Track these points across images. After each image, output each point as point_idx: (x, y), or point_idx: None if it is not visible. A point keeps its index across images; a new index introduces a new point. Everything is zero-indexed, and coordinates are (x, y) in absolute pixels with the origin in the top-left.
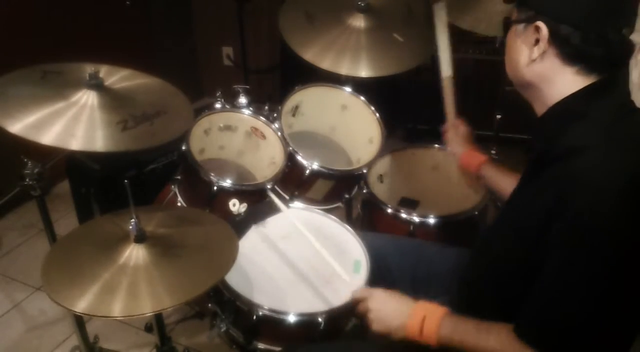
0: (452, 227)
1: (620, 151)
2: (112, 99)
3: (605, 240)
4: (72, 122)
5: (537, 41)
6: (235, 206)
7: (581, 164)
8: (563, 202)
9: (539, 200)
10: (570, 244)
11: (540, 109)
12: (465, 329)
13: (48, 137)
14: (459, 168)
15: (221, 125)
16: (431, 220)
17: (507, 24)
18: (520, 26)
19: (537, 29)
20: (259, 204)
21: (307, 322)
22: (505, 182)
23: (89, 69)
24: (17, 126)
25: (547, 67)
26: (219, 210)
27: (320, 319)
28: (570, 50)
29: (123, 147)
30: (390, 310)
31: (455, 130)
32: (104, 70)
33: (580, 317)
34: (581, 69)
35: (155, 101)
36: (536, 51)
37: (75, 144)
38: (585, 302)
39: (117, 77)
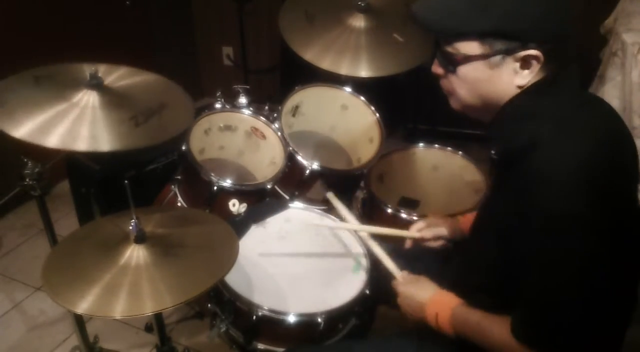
0: None
1: (569, 143)
2: (114, 97)
3: (571, 230)
4: (86, 123)
5: (524, 69)
6: (235, 206)
7: (535, 161)
8: (525, 202)
9: (507, 201)
10: (539, 242)
11: (490, 115)
12: (471, 324)
13: (70, 143)
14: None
15: (221, 125)
16: None
17: (464, 59)
18: (497, 58)
19: (530, 57)
20: (259, 204)
21: (307, 323)
22: None
23: (78, 68)
24: (22, 131)
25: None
26: (219, 210)
27: (320, 319)
28: (561, 63)
29: (141, 143)
30: (414, 305)
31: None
32: (101, 70)
33: (564, 311)
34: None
35: (154, 96)
36: (527, 76)
37: (97, 145)
38: (566, 295)
39: (115, 76)
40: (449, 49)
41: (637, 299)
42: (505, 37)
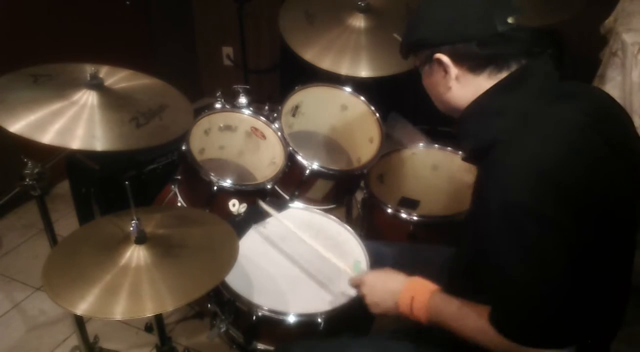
0: (452, 227)
1: (528, 139)
2: (114, 98)
3: (513, 217)
4: (84, 122)
5: (445, 72)
6: (235, 206)
7: (494, 155)
8: (480, 193)
9: (474, 194)
10: (484, 228)
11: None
12: (449, 310)
13: (74, 143)
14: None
15: (221, 125)
16: (431, 220)
17: (417, 72)
18: (426, 67)
19: (439, 61)
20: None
21: (307, 323)
22: None
23: (78, 68)
24: (19, 126)
25: (464, 86)
26: (219, 210)
27: (319, 319)
28: (475, 61)
29: (141, 144)
30: (382, 292)
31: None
32: (102, 71)
33: (518, 298)
34: (492, 71)
35: (154, 98)
36: (449, 78)
37: (93, 144)
38: (517, 286)
39: (115, 77)
40: None
41: (621, 290)
42: (421, 48)
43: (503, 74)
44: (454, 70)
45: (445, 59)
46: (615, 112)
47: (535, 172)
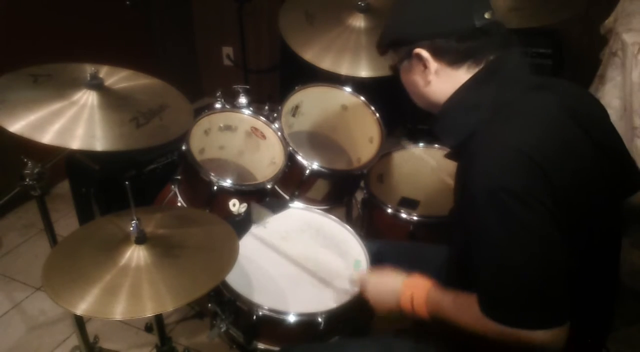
0: None
1: (503, 127)
2: (114, 98)
3: (491, 202)
4: (83, 122)
5: (425, 66)
6: (235, 206)
7: (471, 146)
8: (462, 185)
9: (457, 187)
10: (471, 219)
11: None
12: (445, 303)
13: (74, 143)
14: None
15: (221, 125)
16: (431, 220)
17: (395, 69)
18: (405, 63)
19: (419, 56)
20: (259, 204)
21: (307, 322)
22: None
23: (79, 68)
24: (18, 126)
25: (443, 80)
26: (219, 210)
27: (320, 319)
28: (453, 55)
29: (141, 144)
30: (385, 292)
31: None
32: (102, 71)
33: (507, 280)
34: (470, 65)
35: (154, 98)
36: (428, 73)
37: (93, 144)
38: (504, 269)
39: (115, 77)
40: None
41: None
42: (400, 44)
43: (480, 67)
44: (433, 64)
45: (424, 53)
46: (588, 101)
47: (516, 157)
